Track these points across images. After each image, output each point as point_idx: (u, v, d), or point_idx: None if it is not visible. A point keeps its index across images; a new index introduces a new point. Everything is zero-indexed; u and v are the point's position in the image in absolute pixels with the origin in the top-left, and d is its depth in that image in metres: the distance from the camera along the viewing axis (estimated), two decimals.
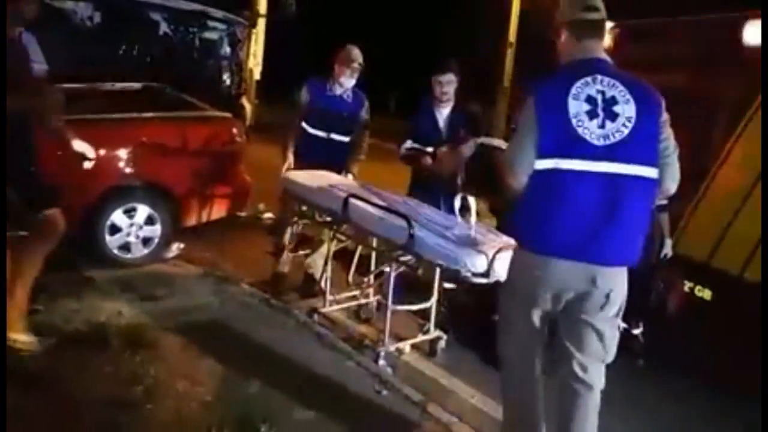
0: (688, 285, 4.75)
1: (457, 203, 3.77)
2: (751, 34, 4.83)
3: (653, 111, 2.49)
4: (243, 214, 6.06)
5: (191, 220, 5.56)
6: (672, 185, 2.62)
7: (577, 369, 2.64)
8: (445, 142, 4.49)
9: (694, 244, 4.75)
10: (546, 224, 2.47)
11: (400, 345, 4.15)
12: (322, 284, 4.58)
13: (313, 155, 4.82)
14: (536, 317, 2.65)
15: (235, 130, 5.89)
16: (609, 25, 6.21)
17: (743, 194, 4.58)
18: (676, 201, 4.61)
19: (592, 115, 2.41)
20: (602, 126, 2.41)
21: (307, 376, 3.69)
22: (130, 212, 5.10)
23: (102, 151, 4.92)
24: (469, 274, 3.38)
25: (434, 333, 4.28)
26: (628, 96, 2.46)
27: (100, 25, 5.46)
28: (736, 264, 4.40)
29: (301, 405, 3.35)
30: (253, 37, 10.54)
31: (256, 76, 11.05)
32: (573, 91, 2.42)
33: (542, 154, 2.43)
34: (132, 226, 5.11)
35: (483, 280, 3.35)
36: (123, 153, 5.05)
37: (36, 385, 3.24)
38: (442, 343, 4.28)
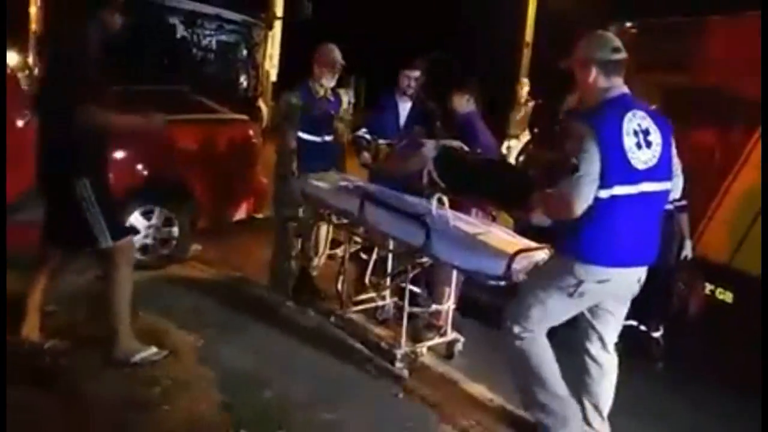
0: (708, 287, 4.70)
1: (434, 203, 3.79)
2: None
3: (669, 136, 2.98)
4: (260, 215, 6.07)
5: (209, 222, 5.59)
6: (677, 193, 3.25)
7: (602, 345, 3.18)
8: (401, 135, 4.67)
9: (714, 246, 4.70)
10: (610, 241, 2.90)
11: (417, 347, 4.13)
12: (339, 287, 4.56)
13: (310, 161, 4.72)
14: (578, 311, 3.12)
15: (252, 132, 5.92)
16: (627, 24, 6.23)
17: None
18: (697, 202, 4.59)
19: (638, 146, 2.85)
20: (643, 154, 2.87)
21: (324, 379, 3.69)
22: (148, 214, 5.14)
23: (120, 154, 5.00)
24: (486, 276, 3.36)
25: (451, 335, 4.25)
26: (654, 126, 2.92)
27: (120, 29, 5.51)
28: (758, 265, 4.35)
29: (318, 408, 3.35)
30: (270, 39, 10.59)
31: (273, 77, 11.09)
32: (624, 128, 2.83)
33: (606, 185, 2.81)
34: (150, 228, 5.15)
35: (501, 283, 3.32)
36: (141, 155, 5.08)
37: (54, 386, 3.27)
38: (459, 346, 4.25)
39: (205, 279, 5.11)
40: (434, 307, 4.26)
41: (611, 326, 3.19)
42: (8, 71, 5.23)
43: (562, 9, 15.38)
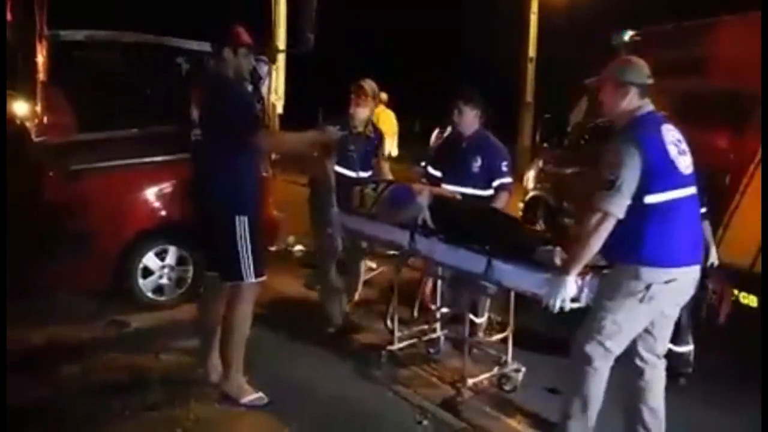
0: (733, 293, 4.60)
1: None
2: None
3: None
4: (273, 248, 6.06)
5: None
6: None
7: (656, 350, 3.24)
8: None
9: (735, 250, 4.60)
10: (670, 242, 3.02)
11: (478, 380, 3.95)
12: (388, 322, 4.47)
13: (341, 196, 4.54)
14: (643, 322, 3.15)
15: (261, 166, 5.92)
16: (630, 33, 6.21)
17: None
18: (714, 207, 4.51)
19: (680, 153, 3.06)
20: (684, 160, 3.07)
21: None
22: (161, 254, 5.14)
23: (132, 195, 5.03)
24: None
25: (512, 365, 4.08)
26: (681, 136, 3.13)
27: (123, 71, 5.56)
28: None
29: None
30: (274, 72, 10.68)
31: (279, 110, 11.16)
32: (666, 138, 3.04)
33: (661, 190, 2.99)
34: (164, 268, 5.15)
35: (574, 305, 3.17)
36: (151, 196, 5.11)
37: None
38: (520, 376, 4.05)
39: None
40: (497, 336, 4.18)
41: (666, 331, 3.27)
42: (18, 122, 5.32)
43: (564, 24, 15.45)
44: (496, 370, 4.06)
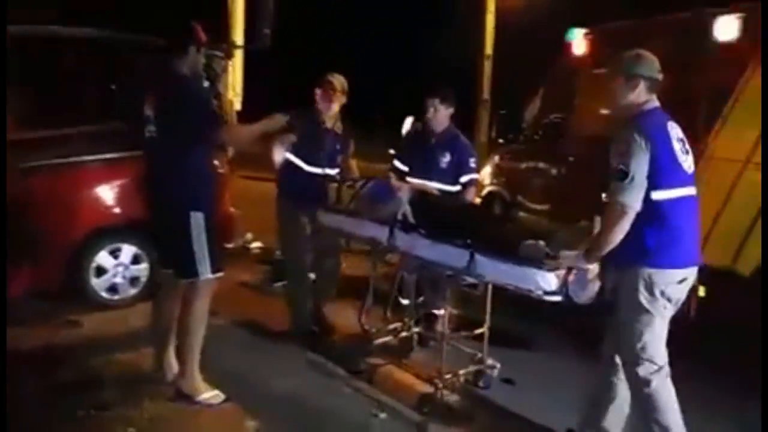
0: None
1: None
2: (722, 29, 4.89)
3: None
4: (230, 245, 6.01)
5: None
6: None
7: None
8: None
9: None
10: (679, 241, 2.99)
11: (453, 377, 3.91)
12: (362, 319, 4.38)
13: (305, 192, 4.59)
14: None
15: (216, 162, 5.86)
16: (584, 31, 6.32)
17: (728, 186, 4.61)
18: None
19: (683, 151, 3.05)
20: (686, 160, 3.05)
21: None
22: (115, 252, 5.05)
23: (83, 193, 4.93)
24: (540, 293, 3.21)
25: (488, 361, 4.12)
26: (683, 136, 3.11)
27: (72, 67, 5.43)
28: (722, 259, 4.42)
29: None
30: (231, 68, 10.56)
31: (237, 106, 11.04)
32: (672, 135, 3.02)
33: (666, 187, 2.95)
34: (118, 267, 5.06)
35: (556, 298, 3.18)
36: (103, 194, 5.02)
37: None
38: (495, 372, 4.12)
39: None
40: (477, 331, 4.13)
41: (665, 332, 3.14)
42: None
43: (521, 20, 15.65)
44: (471, 367, 4.06)
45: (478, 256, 3.46)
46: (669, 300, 3.00)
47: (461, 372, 3.96)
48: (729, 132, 4.78)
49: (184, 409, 3.54)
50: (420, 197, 4.13)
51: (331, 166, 4.74)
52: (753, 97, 4.55)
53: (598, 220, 3.22)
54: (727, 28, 4.85)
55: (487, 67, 15.23)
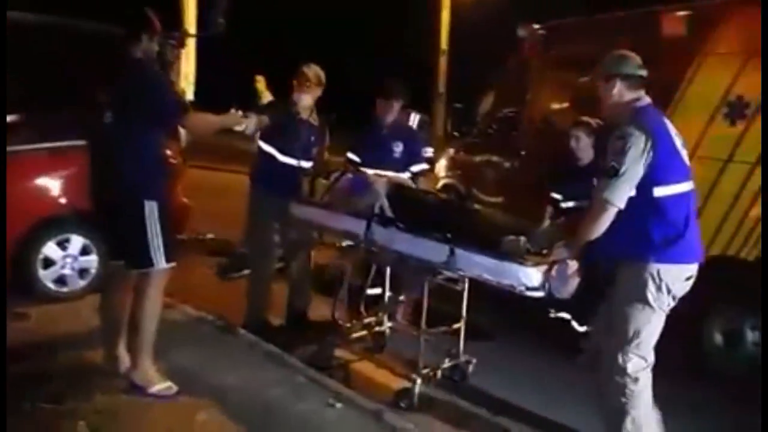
0: None
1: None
2: (669, 25, 5.02)
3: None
4: (183, 236, 5.93)
5: None
6: None
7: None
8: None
9: None
10: (684, 236, 2.95)
11: (429, 371, 3.90)
12: (335, 316, 4.34)
13: (279, 183, 4.56)
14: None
15: (169, 152, 5.76)
16: (536, 27, 6.43)
17: None
18: None
19: (683, 146, 3.05)
20: (685, 154, 3.06)
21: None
22: (63, 244, 4.93)
23: (31, 183, 4.79)
24: (522, 288, 3.21)
25: (463, 357, 4.12)
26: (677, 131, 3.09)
27: (21, 53, 5.26)
28: None
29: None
30: (184, 57, 10.39)
31: (189, 96, 10.88)
32: (670, 130, 3.02)
33: (669, 182, 2.94)
34: (66, 258, 4.94)
35: (538, 294, 3.19)
36: (51, 183, 4.90)
37: None
38: (470, 367, 4.14)
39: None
40: (455, 326, 4.08)
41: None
42: None
43: (476, 16, 15.80)
44: (447, 361, 4.05)
45: (458, 251, 3.43)
46: (674, 297, 2.99)
47: (440, 366, 3.95)
48: (675, 126, 4.94)
49: (136, 401, 3.48)
50: (397, 190, 4.10)
51: (306, 158, 4.70)
52: (698, 92, 4.72)
53: (549, 210, 3.29)
54: (674, 24, 5.00)
55: (443, 62, 15.39)
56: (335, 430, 3.38)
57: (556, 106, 6.27)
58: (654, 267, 2.94)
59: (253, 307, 4.70)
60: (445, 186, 7.59)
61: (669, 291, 2.95)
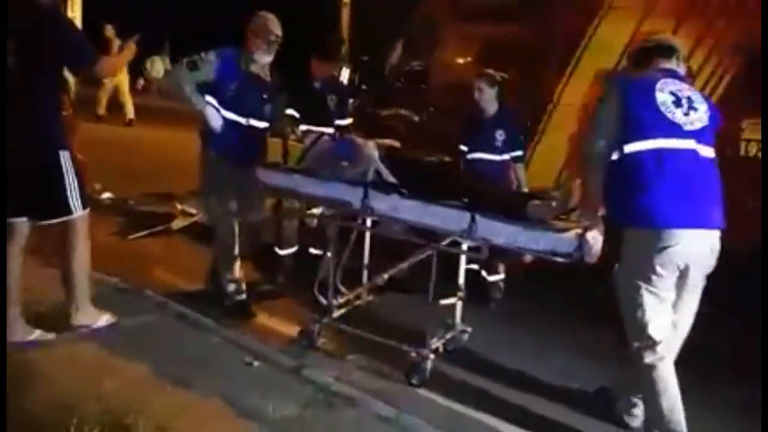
0: None
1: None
2: None
3: (717, 118, 2.99)
4: None
5: None
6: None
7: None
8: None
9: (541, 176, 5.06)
10: (664, 199, 2.79)
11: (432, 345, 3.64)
12: (317, 292, 4.04)
13: (230, 144, 4.17)
14: (668, 293, 2.92)
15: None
16: None
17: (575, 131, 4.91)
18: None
19: (677, 104, 2.87)
20: (687, 114, 2.88)
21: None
22: None
23: None
24: (556, 255, 3.09)
25: (459, 327, 3.96)
26: (702, 99, 2.98)
27: None
28: None
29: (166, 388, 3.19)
30: (69, 5, 9.69)
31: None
32: (658, 86, 2.89)
33: (641, 138, 2.83)
34: None
35: (567, 260, 3.05)
36: None
37: None
38: (466, 336, 4.01)
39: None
40: (450, 300, 3.91)
41: (692, 309, 3.03)
42: None
43: None
44: (446, 332, 3.87)
45: (479, 218, 3.25)
46: (662, 265, 2.84)
47: (442, 339, 3.78)
48: (576, 79, 5.11)
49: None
50: (391, 154, 3.89)
51: (257, 117, 4.28)
52: (599, 44, 4.90)
53: (552, 204, 3.28)
54: None
55: (345, 14, 15.10)
56: (257, 388, 3.28)
57: (463, 59, 6.31)
58: (631, 232, 2.91)
59: (225, 285, 4.33)
60: None
61: (655, 254, 2.82)
